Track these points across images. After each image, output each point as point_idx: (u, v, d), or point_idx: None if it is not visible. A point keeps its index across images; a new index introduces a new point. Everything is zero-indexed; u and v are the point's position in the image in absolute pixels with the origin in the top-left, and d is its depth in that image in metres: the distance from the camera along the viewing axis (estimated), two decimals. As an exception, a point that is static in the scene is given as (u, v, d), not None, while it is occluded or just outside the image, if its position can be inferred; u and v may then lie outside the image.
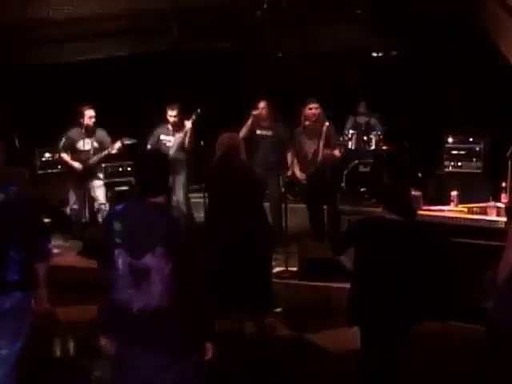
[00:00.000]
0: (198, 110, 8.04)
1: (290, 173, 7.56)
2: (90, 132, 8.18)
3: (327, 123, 7.43)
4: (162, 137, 8.30)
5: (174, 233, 3.04)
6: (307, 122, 7.31)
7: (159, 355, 3.06)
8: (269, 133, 7.76)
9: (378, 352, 4.08)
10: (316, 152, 7.32)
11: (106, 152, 8.22)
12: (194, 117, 8.05)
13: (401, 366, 4.07)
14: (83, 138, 8.20)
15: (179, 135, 8.19)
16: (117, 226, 3.11)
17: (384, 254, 3.97)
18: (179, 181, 8.18)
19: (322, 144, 7.28)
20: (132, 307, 3.05)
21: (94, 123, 8.19)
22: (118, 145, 8.18)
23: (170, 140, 8.25)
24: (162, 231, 3.04)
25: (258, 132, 7.79)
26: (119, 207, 3.24)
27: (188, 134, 8.10)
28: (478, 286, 3.95)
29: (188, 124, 8.07)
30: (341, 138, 8.66)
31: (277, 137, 7.72)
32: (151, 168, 3.20)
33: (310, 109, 7.32)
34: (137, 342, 3.08)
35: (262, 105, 7.83)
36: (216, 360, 3.21)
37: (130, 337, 3.10)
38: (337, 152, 7.40)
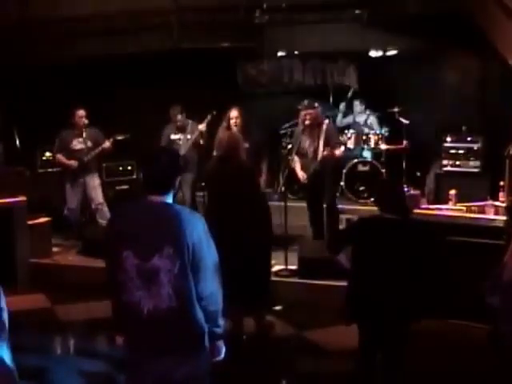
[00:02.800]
0: (214, 113, 7.92)
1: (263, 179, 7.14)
2: (81, 131, 8.24)
3: (326, 122, 7.44)
4: (173, 136, 8.32)
5: (182, 232, 2.99)
6: (307, 122, 7.31)
7: (169, 355, 3.04)
8: (245, 145, 6.79)
9: (377, 350, 4.11)
10: (316, 151, 7.32)
11: (99, 148, 8.26)
12: (209, 117, 7.96)
13: (400, 364, 4.10)
14: (76, 138, 8.26)
15: (190, 133, 8.17)
16: (122, 226, 3.08)
17: (381, 252, 4.00)
18: (188, 178, 8.10)
19: (321, 143, 7.26)
20: (142, 309, 3.01)
21: (86, 122, 8.23)
22: (109, 141, 8.25)
23: (181, 138, 8.28)
24: (169, 231, 3.00)
25: None
26: (124, 207, 3.20)
27: (203, 136, 8.05)
28: (485, 282, 3.97)
29: (201, 126, 8.01)
30: (341, 137, 8.69)
31: (253, 147, 7.15)
32: (161, 166, 3.09)
33: (304, 115, 7.27)
34: (147, 343, 3.05)
35: (235, 113, 7.31)
36: (225, 359, 3.22)
37: (140, 338, 3.07)
38: (337, 152, 7.37)
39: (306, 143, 7.36)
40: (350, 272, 4.17)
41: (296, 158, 7.42)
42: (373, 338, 4.12)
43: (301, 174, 7.40)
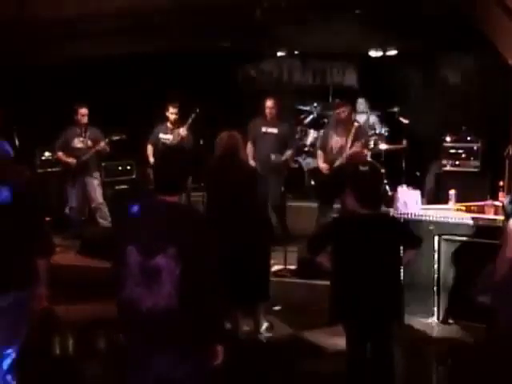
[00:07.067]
0: (197, 110, 8.11)
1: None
2: (83, 130, 8.27)
3: (357, 124, 7.71)
4: (161, 135, 8.36)
5: (188, 233, 3.02)
6: (342, 115, 7.57)
7: (167, 355, 3.05)
8: (274, 130, 7.89)
9: (366, 347, 4.09)
10: (343, 148, 7.51)
11: (94, 149, 8.26)
12: (193, 116, 8.12)
13: (391, 360, 4.08)
14: (77, 136, 8.30)
15: (178, 132, 8.23)
16: (131, 223, 3.10)
17: (360, 249, 3.97)
18: None
19: (349, 141, 7.49)
20: (141, 306, 3.03)
21: (88, 121, 8.27)
22: (104, 142, 8.29)
23: (169, 138, 8.30)
24: (176, 232, 3.02)
25: (264, 130, 7.85)
26: (136, 204, 3.20)
27: (186, 138, 8.16)
28: (477, 282, 3.97)
29: (183, 131, 8.13)
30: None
31: (281, 134, 7.88)
32: (172, 166, 3.14)
33: (338, 113, 7.61)
34: (145, 341, 3.07)
35: (270, 103, 7.94)
36: (224, 362, 3.22)
37: (139, 335, 3.09)
38: (365, 150, 7.67)
39: (333, 139, 7.63)
40: (332, 272, 4.14)
41: (319, 152, 7.77)
42: (361, 337, 4.10)
43: (323, 166, 7.63)
